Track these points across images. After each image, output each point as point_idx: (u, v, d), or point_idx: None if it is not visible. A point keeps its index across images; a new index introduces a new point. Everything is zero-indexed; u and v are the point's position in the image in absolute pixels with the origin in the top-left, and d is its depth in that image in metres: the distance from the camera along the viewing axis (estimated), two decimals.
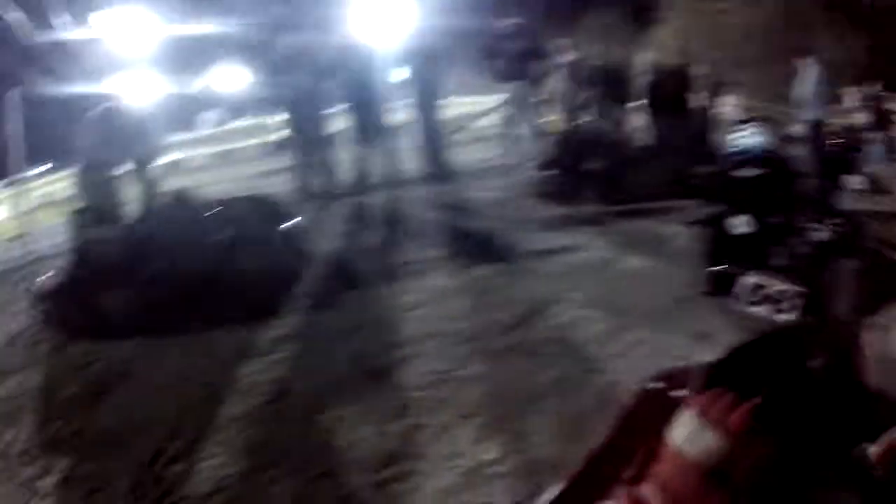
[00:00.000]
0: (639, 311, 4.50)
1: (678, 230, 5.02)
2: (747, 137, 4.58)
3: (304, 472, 3.47)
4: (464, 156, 13.22)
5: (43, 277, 6.55)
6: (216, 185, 16.91)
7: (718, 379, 1.08)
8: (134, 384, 4.92)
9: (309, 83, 9.52)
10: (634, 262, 5.50)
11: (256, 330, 5.18)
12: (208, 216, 6.40)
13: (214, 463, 3.75)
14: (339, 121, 10.56)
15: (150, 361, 5.16)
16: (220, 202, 7.07)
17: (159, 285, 5.83)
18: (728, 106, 10.68)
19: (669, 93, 12.11)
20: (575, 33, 12.84)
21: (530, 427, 3.33)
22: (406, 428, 3.58)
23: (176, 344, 5.28)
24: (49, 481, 4.08)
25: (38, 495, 4.00)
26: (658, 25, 15.42)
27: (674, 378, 1.27)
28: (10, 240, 9.54)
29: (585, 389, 3.55)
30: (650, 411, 1.22)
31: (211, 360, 4.93)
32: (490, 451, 3.23)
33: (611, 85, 12.22)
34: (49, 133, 8.81)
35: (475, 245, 6.48)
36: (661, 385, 1.26)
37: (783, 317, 3.86)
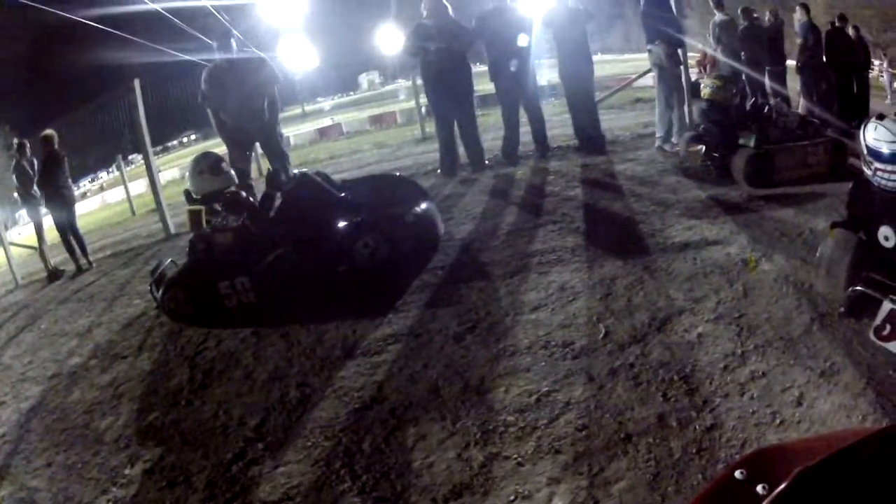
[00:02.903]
0: (770, 330, 4.24)
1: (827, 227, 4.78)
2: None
3: (372, 493, 3.57)
4: (618, 121, 13.06)
5: (164, 261, 7.18)
6: (366, 152, 17.83)
7: (811, 485, 1.08)
8: (236, 377, 5.24)
9: (451, 49, 9.62)
10: (777, 264, 5.20)
11: (367, 326, 5.37)
12: (338, 199, 6.63)
13: (289, 470, 3.93)
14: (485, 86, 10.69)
15: (256, 354, 5.47)
16: (352, 182, 7.33)
17: (277, 274, 6.18)
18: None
19: (830, 55, 11.55)
20: None
21: (613, 473, 3.23)
22: (486, 457, 3.57)
23: (284, 336, 5.58)
24: (134, 471, 4.45)
25: (118, 484, 4.36)
26: None
27: (763, 465, 1.27)
28: (149, 213, 10.51)
29: (685, 433, 3.39)
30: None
31: (313, 357, 5.16)
32: (563, 497, 3.15)
33: (763, 46, 11.67)
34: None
35: (611, 233, 6.42)
36: (743, 475, 1.24)
37: None
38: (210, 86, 8.81)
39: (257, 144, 10.05)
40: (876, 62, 16.11)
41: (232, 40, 8.99)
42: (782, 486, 1.08)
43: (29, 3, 13.71)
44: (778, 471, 1.18)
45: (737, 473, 1.25)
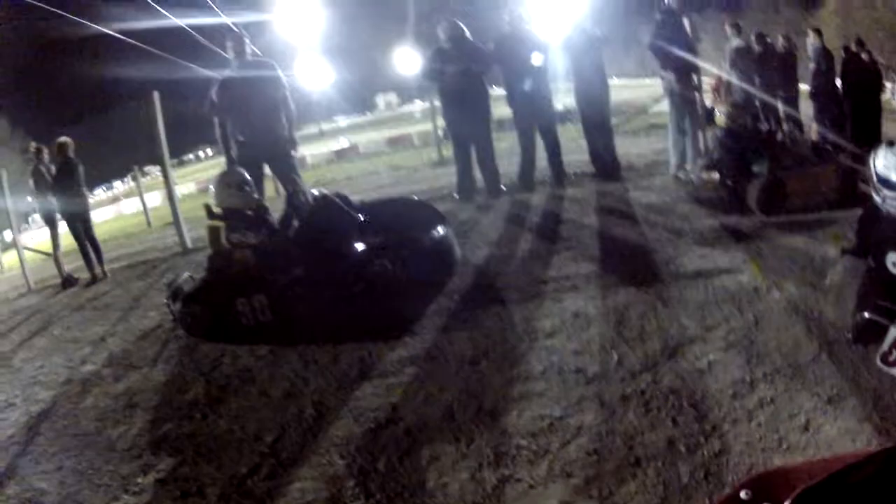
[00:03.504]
0: (779, 358, 4.34)
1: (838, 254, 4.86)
2: None
3: None
4: (633, 147, 13.14)
5: (182, 275, 7.30)
6: (382, 173, 17.95)
7: (814, 502, 1.13)
8: (252, 392, 5.34)
9: (469, 73, 9.74)
10: (787, 292, 5.31)
11: (383, 348, 5.47)
12: (355, 221, 6.75)
13: (303, 486, 4.01)
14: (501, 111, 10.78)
15: (272, 370, 5.58)
16: (370, 204, 7.46)
17: (295, 294, 6.27)
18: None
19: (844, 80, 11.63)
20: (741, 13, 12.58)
21: (623, 496, 3.31)
22: (498, 479, 3.66)
23: (301, 355, 5.68)
24: (146, 480, 4.53)
25: (130, 492, 4.45)
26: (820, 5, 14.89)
27: (766, 486, 1.33)
28: (165, 226, 10.67)
29: (693, 458, 3.48)
30: None
31: (329, 376, 5.25)
32: None
33: (778, 71, 11.76)
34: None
35: (625, 261, 6.53)
36: (748, 496, 1.29)
37: None
38: (222, 94, 8.48)
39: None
40: (888, 84, 16.21)
41: (246, 44, 8.79)
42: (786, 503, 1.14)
43: (55, 10, 13.89)
44: (781, 491, 1.22)
45: (742, 494, 1.31)
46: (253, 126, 8.51)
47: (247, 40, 8.86)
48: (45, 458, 5.23)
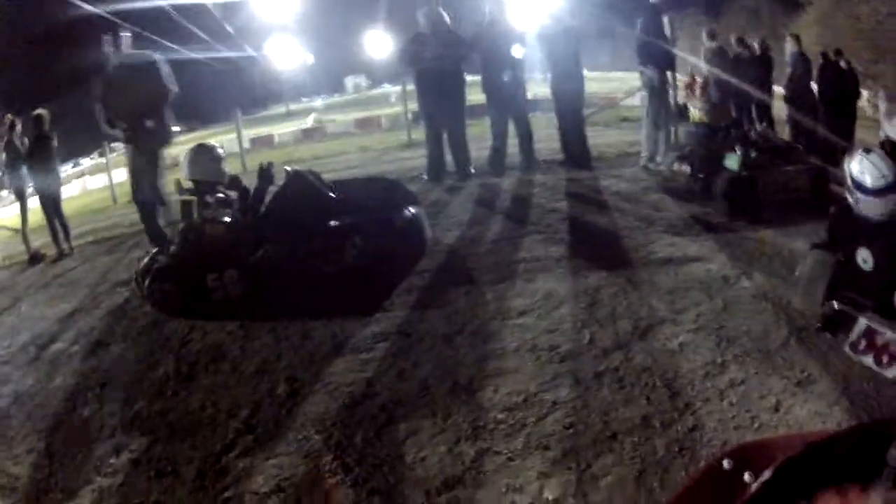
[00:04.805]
0: (748, 342, 4.47)
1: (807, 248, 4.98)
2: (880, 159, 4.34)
3: (365, 485, 3.68)
4: (603, 138, 13.26)
5: (151, 251, 7.15)
6: (350, 154, 17.86)
7: (793, 473, 1.13)
8: (223, 369, 5.31)
9: (447, 59, 9.77)
10: (757, 281, 5.45)
11: (355, 324, 5.47)
12: (328, 199, 6.70)
13: (280, 462, 4.02)
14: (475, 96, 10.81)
15: (243, 347, 5.55)
16: (343, 183, 7.42)
17: (266, 270, 6.21)
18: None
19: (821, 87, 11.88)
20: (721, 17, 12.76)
21: (600, 468, 3.39)
22: (477, 452, 3.71)
23: (272, 331, 5.66)
24: (120, 460, 4.50)
25: (103, 474, 4.41)
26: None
27: (747, 457, 1.33)
28: (130, 202, 10.52)
29: (668, 433, 3.56)
30: (714, 493, 1.31)
31: (302, 352, 5.25)
32: (553, 490, 3.31)
33: (754, 74, 11.95)
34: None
35: (595, 245, 6.61)
36: (731, 464, 1.32)
37: (888, 372, 3.72)
38: (105, 92, 8.37)
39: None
40: (865, 92, 16.57)
41: (122, 38, 8.54)
42: (768, 472, 1.18)
43: None
44: (762, 462, 1.25)
45: (724, 463, 1.34)
46: (135, 124, 8.38)
47: (124, 36, 8.63)
48: (17, 441, 5.15)
